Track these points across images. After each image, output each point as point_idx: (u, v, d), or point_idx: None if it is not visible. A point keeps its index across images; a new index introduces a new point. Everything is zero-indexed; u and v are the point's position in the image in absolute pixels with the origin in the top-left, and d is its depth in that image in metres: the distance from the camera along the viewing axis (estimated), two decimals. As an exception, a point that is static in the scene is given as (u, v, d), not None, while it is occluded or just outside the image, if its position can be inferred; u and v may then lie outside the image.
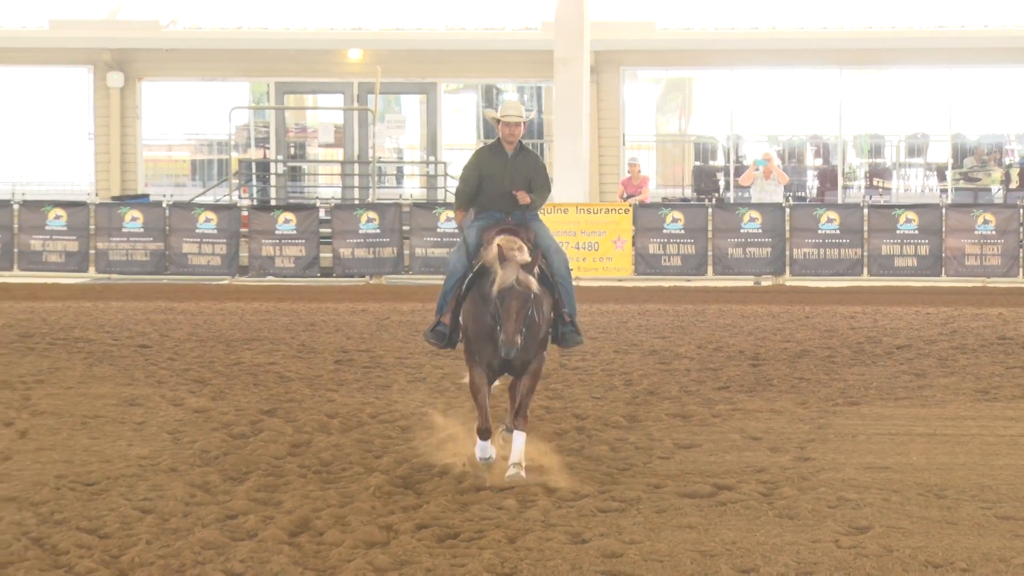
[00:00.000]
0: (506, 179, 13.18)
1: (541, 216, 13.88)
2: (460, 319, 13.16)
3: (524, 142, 13.57)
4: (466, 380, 13.34)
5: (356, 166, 40.04)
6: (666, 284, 32.19)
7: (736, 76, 39.98)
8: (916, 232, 32.89)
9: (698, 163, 40.59)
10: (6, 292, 30.54)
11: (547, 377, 17.09)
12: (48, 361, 20.35)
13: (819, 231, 33.08)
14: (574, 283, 14.07)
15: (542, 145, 40.26)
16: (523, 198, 13.11)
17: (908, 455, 14.47)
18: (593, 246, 33.00)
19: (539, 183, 13.35)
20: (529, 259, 12.50)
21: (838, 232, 33.07)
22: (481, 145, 13.60)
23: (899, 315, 25.99)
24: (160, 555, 10.95)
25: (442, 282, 13.71)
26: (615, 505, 12.52)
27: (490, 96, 40.75)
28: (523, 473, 12.80)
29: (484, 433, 12.99)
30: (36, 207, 34.24)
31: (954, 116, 39.73)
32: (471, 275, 12.90)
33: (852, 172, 40.29)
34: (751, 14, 38.55)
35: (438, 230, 32.89)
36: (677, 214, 33.60)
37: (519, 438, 12.99)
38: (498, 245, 12.46)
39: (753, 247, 33.19)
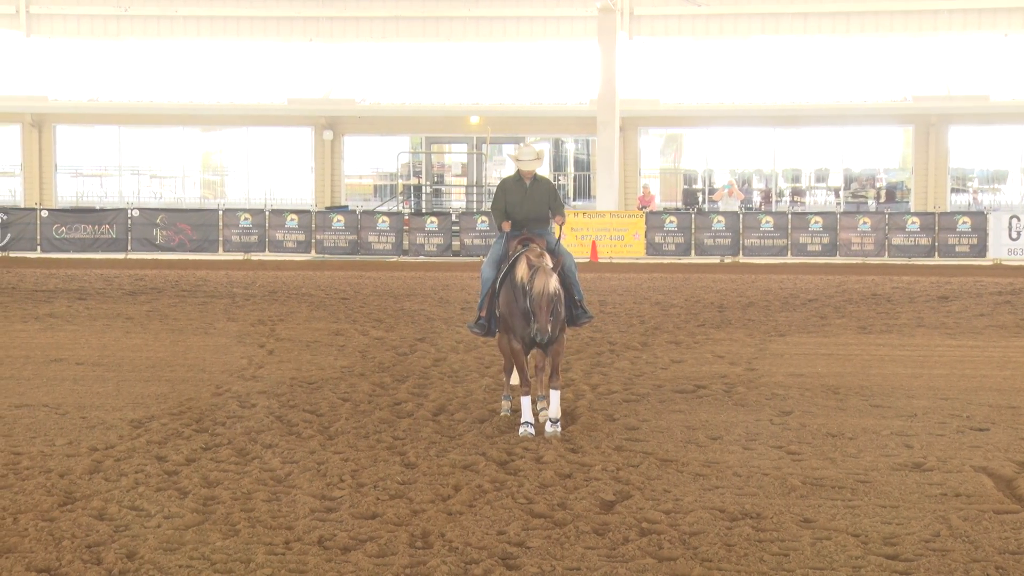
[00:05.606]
0: (526, 204, 11.20)
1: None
2: (496, 312, 11.03)
3: (546, 175, 12.09)
4: (502, 413, 11.39)
5: (475, 188, 40.01)
6: (665, 261, 32.00)
7: (709, 132, 39.56)
8: (821, 229, 32.58)
9: (686, 187, 40.29)
10: (260, 266, 30.75)
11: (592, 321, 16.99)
12: (286, 307, 20.52)
13: (760, 228, 32.82)
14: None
15: (589, 177, 40.15)
16: (557, 231, 11.31)
17: (815, 367, 14.36)
18: (620, 237, 32.79)
19: (556, 204, 11.28)
20: (552, 264, 10.57)
21: (772, 229, 32.80)
22: (510, 175, 11.50)
23: (810, 280, 25.78)
24: (353, 426, 11.03)
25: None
26: (633, 397, 12.50)
27: (558, 145, 40.64)
28: (559, 430, 10.56)
29: (525, 384, 10.73)
30: (279, 213, 34.39)
31: (845, 156, 39.30)
32: (500, 277, 10.97)
33: (781, 192, 39.94)
34: (718, 93, 38.30)
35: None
36: (672, 218, 33.37)
37: (555, 395, 10.75)
38: (526, 257, 10.59)
39: (720, 238, 32.92)
